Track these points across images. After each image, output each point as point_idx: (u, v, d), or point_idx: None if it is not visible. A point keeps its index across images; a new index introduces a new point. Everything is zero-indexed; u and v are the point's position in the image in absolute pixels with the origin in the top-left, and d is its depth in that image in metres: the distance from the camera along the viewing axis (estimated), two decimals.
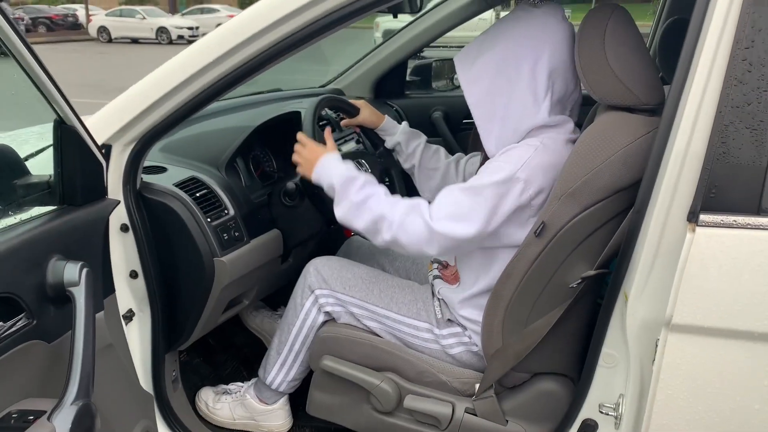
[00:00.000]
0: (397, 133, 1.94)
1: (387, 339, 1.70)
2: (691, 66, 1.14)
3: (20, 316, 1.07)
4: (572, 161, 1.35)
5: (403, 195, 1.98)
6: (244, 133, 1.82)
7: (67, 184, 1.30)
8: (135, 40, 22.21)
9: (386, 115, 1.97)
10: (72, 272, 1.15)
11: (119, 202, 1.45)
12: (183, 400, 1.86)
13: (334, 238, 2.16)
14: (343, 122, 1.95)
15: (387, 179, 2.00)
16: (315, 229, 1.89)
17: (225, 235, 1.65)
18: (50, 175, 1.33)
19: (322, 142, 1.69)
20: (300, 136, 1.68)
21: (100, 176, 1.40)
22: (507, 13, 1.55)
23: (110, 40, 22.41)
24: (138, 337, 1.66)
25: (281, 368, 1.84)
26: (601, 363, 1.33)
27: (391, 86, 2.99)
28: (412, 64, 3.08)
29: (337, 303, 1.73)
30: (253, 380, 1.96)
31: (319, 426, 1.96)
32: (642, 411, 1.22)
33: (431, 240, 1.44)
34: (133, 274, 1.61)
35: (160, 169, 1.71)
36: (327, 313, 1.75)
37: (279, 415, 1.92)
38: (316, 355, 1.73)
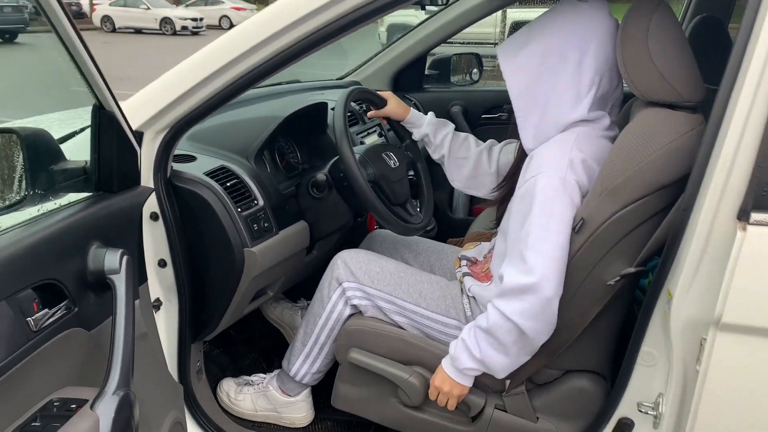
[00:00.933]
0: (424, 125, 1.92)
1: (413, 333, 1.69)
2: (743, 64, 1.12)
3: (63, 303, 1.06)
4: (614, 157, 1.33)
5: (428, 188, 1.97)
6: (272, 124, 1.80)
7: (104, 171, 1.29)
8: (139, 30, 22.12)
9: (412, 107, 1.95)
10: (113, 260, 1.13)
11: (153, 190, 1.44)
12: (207, 391, 1.85)
13: (357, 231, 2.14)
14: (369, 114, 1.94)
15: (413, 172, 1.98)
16: (342, 221, 1.87)
17: (255, 225, 1.64)
18: (86, 161, 1.31)
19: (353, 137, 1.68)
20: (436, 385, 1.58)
21: (135, 164, 1.39)
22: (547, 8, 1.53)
23: (114, 30, 22.34)
24: (165, 327, 1.65)
25: (306, 360, 1.83)
26: (640, 361, 1.32)
27: (409, 80, 2.97)
28: (430, 58, 3.05)
29: (365, 296, 1.72)
30: (276, 372, 1.95)
31: (340, 419, 1.95)
32: (684, 411, 1.21)
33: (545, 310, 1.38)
34: (162, 263, 1.60)
35: (189, 158, 1.70)
36: (354, 306, 1.74)
37: (301, 407, 1.91)
38: (343, 347, 1.72)
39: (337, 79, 3.04)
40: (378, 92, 1.92)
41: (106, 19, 22.73)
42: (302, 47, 1.41)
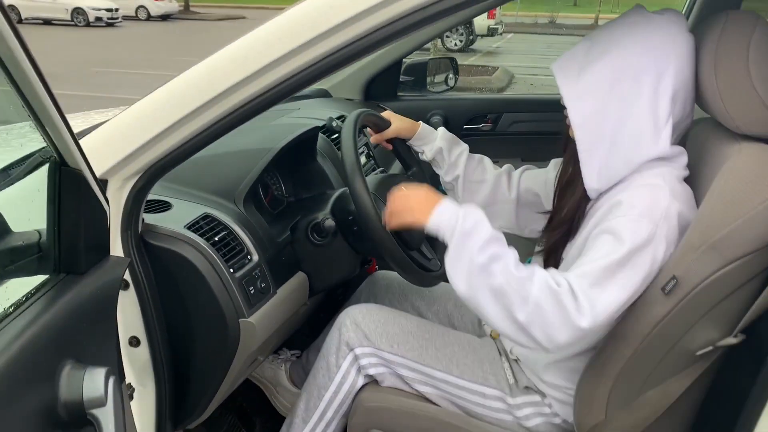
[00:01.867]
0: (437, 139, 1.63)
1: (445, 407, 1.42)
2: None
3: None
4: (715, 205, 1.10)
5: None
6: (263, 157, 1.48)
7: (67, 246, 0.94)
8: (47, 21, 20.68)
9: (420, 121, 1.67)
10: (95, 386, 0.80)
11: (129, 261, 1.10)
12: None
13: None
14: (372, 138, 1.64)
15: None
16: (347, 271, 1.57)
17: (251, 288, 1.32)
18: (39, 233, 0.96)
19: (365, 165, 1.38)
20: (403, 187, 1.31)
21: (105, 229, 1.05)
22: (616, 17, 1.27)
23: (20, 21, 20.77)
24: (138, 419, 1.31)
25: None
26: None
27: (382, 88, 2.68)
28: (404, 63, 2.77)
29: (382, 363, 1.44)
30: None
31: None
32: None
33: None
34: (134, 342, 1.26)
35: (163, 205, 1.35)
36: (369, 375, 1.45)
37: None
38: (360, 427, 1.43)
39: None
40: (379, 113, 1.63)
41: (11, 8, 21.15)
42: (315, 72, 1.11)
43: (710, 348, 1.14)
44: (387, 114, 1.62)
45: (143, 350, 1.27)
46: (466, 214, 1.18)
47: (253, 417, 1.95)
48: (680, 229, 1.15)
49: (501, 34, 17.58)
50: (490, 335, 1.50)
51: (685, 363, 1.18)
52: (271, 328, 1.40)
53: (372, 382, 1.47)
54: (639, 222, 1.12)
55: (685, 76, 1.18)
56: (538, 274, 1.13)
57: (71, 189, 0.92)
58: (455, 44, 15.52)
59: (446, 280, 1.52)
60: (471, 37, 15.81)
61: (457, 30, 15.20)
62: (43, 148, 0.91)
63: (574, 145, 1.25)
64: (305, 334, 1.94)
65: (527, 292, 1.10)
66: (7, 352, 0.75)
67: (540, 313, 1.09)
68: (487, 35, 16.63)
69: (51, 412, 0.78)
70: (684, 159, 1.23)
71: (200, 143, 1.17)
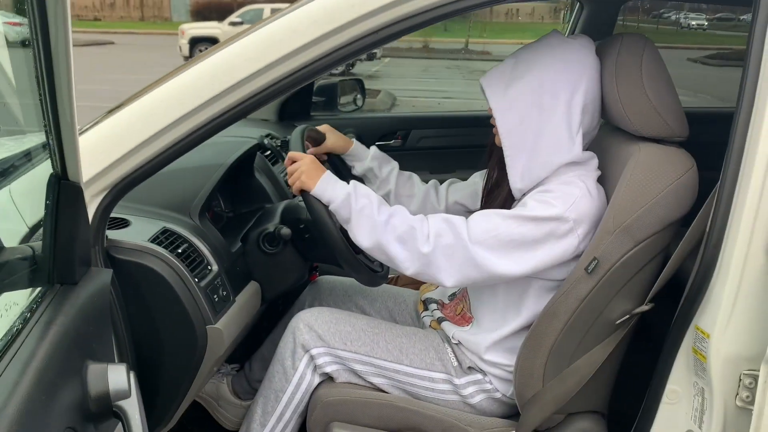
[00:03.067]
0: (368, 158, 1.77)
1: (398, 395, 1.54)
2: (757, 97, 1.14)
3: None
4: (624, 195, 1.31)
5: None
6: (215, 173, 1.55)
7: (62, 258, 0.99)
8: None
9: (354, 139, 1.80)
10: (119, 379, 0.86)
11: (111, 271, 1.14)
12: None
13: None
14: (309, 151, 1.75)
15: None
16: (296, 277, 1.66)
17: (215, 296, 1.39)
18: (32, 247, 1.00)
19: None
20: (292, 153, 1.49)
21: (90, 241, 1.09)
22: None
23: None
24: None
25: None
26: (664, 399, 1.30)
27: (296, 108, 2.79)
28: (315, 84, 2.90)
29: (337, 361, 1.54)
30: None
31: None
32: None
33: (470, 266, 1.35)
34: None
35: (122, 222, 1.39)
36: (324, 373, 1.55)
37: None
38: (320, 422, 1.52)
39: None
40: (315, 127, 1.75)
41: None
42: (286, 84, 1.22)
43: (627, 317, 1.35)
44: (324, 127, 1.74)
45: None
46: (357, 195, 1.42)
47: (194, 431, 1.97)
48: (591, 219, 1.35)
49: (379, 58, 18.07)
50: (430, 326, 1.64)
51: (606, 332, 1.38)
52: (234, 334, 1.46)
53: (327, 379, 1.57)
54: (548, 201, 1.34)
55: (595, 93, 1.40)
56: (430, 216, 1.41)
57: (70, 204, 0.97)
58: (336, 68, 15.77)
59: (386, 279, 1.66)
60: (351, 61, 16.14)
61: (341, 70, 15.50)
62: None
63: (500, 151, 1.44)
64: (244, 347, 1.99)
65: (428, 229, 1.37)
66: (36, 357, 0.79)
67: (440, 242, 1.35)
68: (365, 59, 17.03)
69: (82, 407, 0.82)
70: (595, 162, 1.44)
71: (166, 159, 1.24)
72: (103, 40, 25.03)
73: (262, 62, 1.21)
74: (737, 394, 1.19)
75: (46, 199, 0.96)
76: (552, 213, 1.32)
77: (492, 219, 1.37)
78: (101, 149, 1.19)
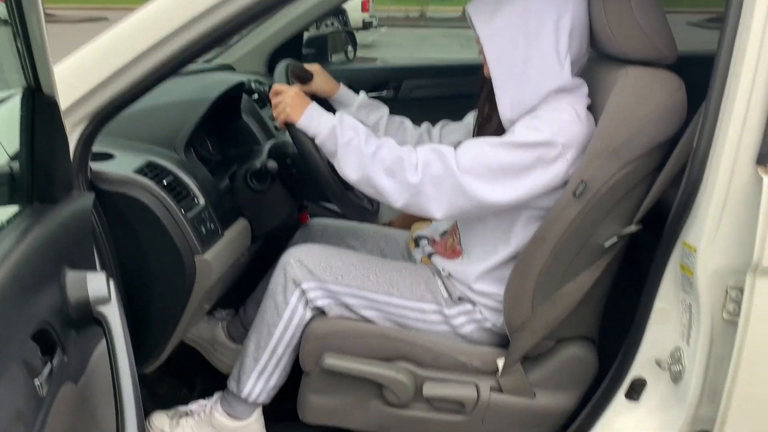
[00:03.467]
0: (355, 105, 1.75)
1: (389, 327, 1.55)
2: (744, 8, 1.13)
3: (56, 354, 0.77)
4: (612, 117, 1.30)
5: None
6: (199, 107, 1.53)
7: (41, 175, 0.98)
8: None
9: (341, 83, 1.78)
10: (98, 286, 0.86)
11: (94, 195, 1.14)
12: None
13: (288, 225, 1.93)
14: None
15: None
16: (285, 214, 1.66)
17: (202, 228, 1.38)
18: (9, 165, 0.99)
19: None
20: (277, 85, 1.48)
21: (70, 162, 1.08)
22: None
23: None
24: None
25: (260, 377, 1.60)
26: (653, 318, 1.31)
27: (286, 59, 2.76)
28: (305, 36, 2.87)
29: (328, 295, 1.54)
30: (218, 395, 1.69)
31: None
32: (713, 359, 1.22)
33: (459, 195, 1.35)
34: None
35: (105, 156, 1.38)
36: (316, 307, 1.55)
37: (255, 429, 1.67)
38: (312, 354, 1.52)
39: (203, 63, 2.74)
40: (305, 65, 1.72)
41: None
42: (265, 7, 1.20)
43: (615, 239, 1.35)
44: (313, 66, 1.72)
45: None
46: (343, 127, 1.41)
47: (192, 378, 1.99)
48: (580, 145, 1.35)
49: (375, 27, 17.90)
50: (421, 261, 1.64)
51: (595, 256, 1.38)
52: (222, 267, 1.46)
53: (319, 313, 1.57)
54: (536, 126, 1.33)
55: (582, 18, 1.38)
56: (419, 146, 1.41)
57: (46, 118, 0.96)
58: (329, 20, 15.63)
59: (377, 217, 1.66)
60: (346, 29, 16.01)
61: (332, 24, 15.37)
62: None
63: (490, 84, 1.42)
64: (238, 291, 2.00)
65: (416, 159, 1.36)
66: (12, 257, 0.79)
67: (428, 171, 1.35)
68: (362, 29, 16.87)
69: (62, 312, 0.83)
70: (585, 89, 1.43)
71: (147, 86, 1.23)
72: (97, 16, 24.78)
73: None
74: (724, 307, 1.20)
75: (21, 113, 0.95)
76: (541, 138, 1.31)
77: (480, 147, 1.36)
78: (78, 77, 1.18)
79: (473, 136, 1.60)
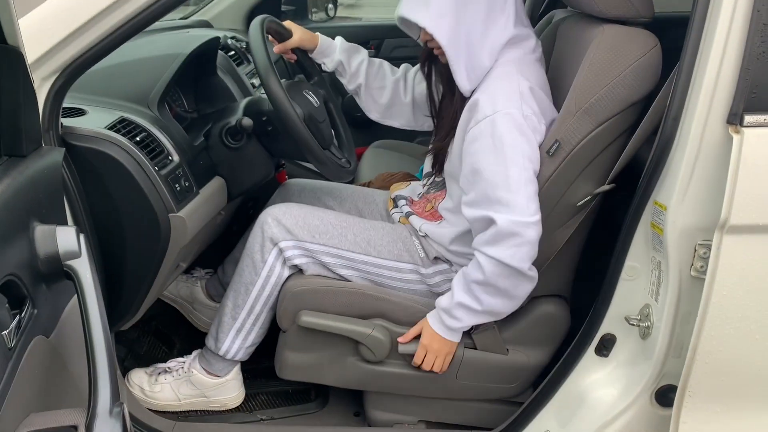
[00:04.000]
0: (336, 51, 1.73)
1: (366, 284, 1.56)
2: None
3: (26, 306, 0.77)
4: (587, 75, 1.30)
5: (346, 128, 1.81)
6: (173, 63, 1.51)
7: (9, 128, 0.97)
8: None
9: (318, 33, 1.76)
10: (68, 240, 0.86)
11: (64, 150, 1.12)
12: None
13: (266, 184, 1.92)
14: (276, 48, 1.70)
15: (326, 114, 1.80)
16: (262, 173, 1.64)
17: (176, 185, 1.37)
18: None
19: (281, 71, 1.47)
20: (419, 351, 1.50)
21: (38, 118, 1.07)
22: None
23: None
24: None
25: (238, 334, 1.61)
26: (623, 276, 1.33)
27: None
28: None
29: (305, 254, 1.55)
30: (196, 352, 1.71)
31: (275, 390, 1.78)
32: (680, 316, 1.24)
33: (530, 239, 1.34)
34: None
35: (77, 112, 1.36)
36: (294, 266, 1.56)
37: (232, 386, 1.70)
38: (289, 312, 1.54)
39: (180, 19, 2.69)
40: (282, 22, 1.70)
41: None
42: None
43: (588, 198, 1.36)
44: (289, 23, 1.69)
45: None
46: (450, 332, 1.45)
47: (171, 336, 2.00)
48: (539, 102, 1.36)
49: None
50: (399, 221, 1.65)
51: (568, 215, 1.39)
52: (198, 226, 1.46)
53: (297, 272, 1.58)
54: (505, 114, 1.32)
55: None
56: (471, 264, 1.40)
57: (11, 70, 0.94)
58: None
59: (355, 176, 1.65)
60: None
61: None
62: None
63: (439, 63, 1.45)
64: (217, 251, 2.00)
65: (480, 276, 1.37)
66: None
67: (521, 262, 1.34)
68: None
69: (31, 267, 0.82)
70: (532, 41, 1.44)
71: (118, 39, 1.21)
72: None
73: None
74: (692, 264, 1.22)
75: None
76: (517, 123, 1.33)
77: (526, 179, 1.34)
78: (48, 28, 1.15)
79: (433, 119, 1.63)
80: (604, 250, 1.39)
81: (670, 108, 1.20)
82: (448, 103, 1.52)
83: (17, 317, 0.73)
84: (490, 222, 1.34)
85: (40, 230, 0.84)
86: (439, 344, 1.47)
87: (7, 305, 0.72)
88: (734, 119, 1.13)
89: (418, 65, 1.77)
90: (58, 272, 0.85)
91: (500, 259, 1.33)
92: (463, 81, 1.41)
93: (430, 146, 1.65)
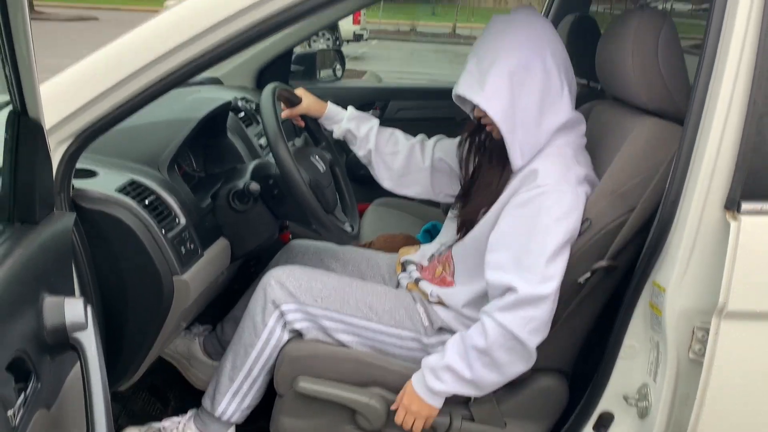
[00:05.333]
0: (345, 119, 1.77)
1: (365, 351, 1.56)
2: (716, 62, 1.17)
3: (30, 382, 0.78)
4: (625, 161, 1.35)
5: (351, 194, 1.83)
6: (185, 127, 1.55)
7: (23, 196, 0.99)
8: None
9: (328, 101, 1.80)
10: (75, 312, 0.87)
11: (74, 215, 1.15)
12: None
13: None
14: (284, 113, 1.75)
15: (332, 179, 1.84)
16: (266, 235, 1.67)
17: (182, 248, 1.39)
18: None
19: (288, 131, 1.50)
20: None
21: (52, 184, 1.09)
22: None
23: None
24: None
25: (235, 396, 1.61)
26: (622, 354, 1.34)
27: (274, 76, 2.77)
28: (295, 53, 2.89)
29: (306, 318, 1.55)
30: (192, 412, 1.69)
31: None
32: (678, 397, 1.24)
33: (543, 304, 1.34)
34: None
35: (88, 173, 1.39)
36: (294, 330, 1.56)
37: None
38: (287, 377, 1.53)
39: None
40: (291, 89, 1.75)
41: None
42: (251, 36, 1.22)
43: (588, 274, 1.38)
44: (299, 91, 1.74)
45: None
46: (431, 395, 1.43)
47: (167, 393, 1.98)
48: (589, 191, 1.39)
49: (366, 39, 17.97)
50: (407, 287, 1.66)
51: (574, 290, 1.40)
52: (201, 287, 1.47)
53: (296, 336, 1.58)
54: (561, 189, 1.35)
55: (561, 50, 1.42)
56: (474, 329, 1.40)
57: (30, 141, 0.97)
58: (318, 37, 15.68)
59: (357, 240, 1.67)
60: (337, 43, 16.07)
61: (323, 35, 15.43)
62: None
63: (489, 137, 1.49)
64: (216, 308, 2.01)
65: (482, 342, 1.36)
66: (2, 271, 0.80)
67: (531, 335, 1.34)
68: (353, 41, 16.93)
69: (38, 337, 0.83)
70: (583, 127, 1.47)
71: (132, 108, 1.25)
72: (87, 15, 24.65)
73: (227, 11, 1.20)
74: (690, 347, 1.23)
75: (5, 135, 0.96)
76: (569, 202, 1.35)
77: (562, 252, 1.35)
78: (66, 95, 1.19)
79: (464, 171, 1.64)
80: (604, 326, 1.40)
81: (669, 190, 1.23)
82: (494, 174, 1.52)
83: (22, 393, 0.74)
84: (509, 289, 1.34)
85: (49, 302, 0.86)
86: (418, 407, 1.44)
87: (13, 383, 0.73)
88: (732, 205, 1.16)
89: (436, 136, 1.80)
90: (63, 344, 0.86)
91: (509, 327, 1.32)
92: (516, 158, 1.42)
93: (456, 212, 1.66)
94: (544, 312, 1.32)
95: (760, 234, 1.13)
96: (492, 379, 1.40)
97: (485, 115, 1.41)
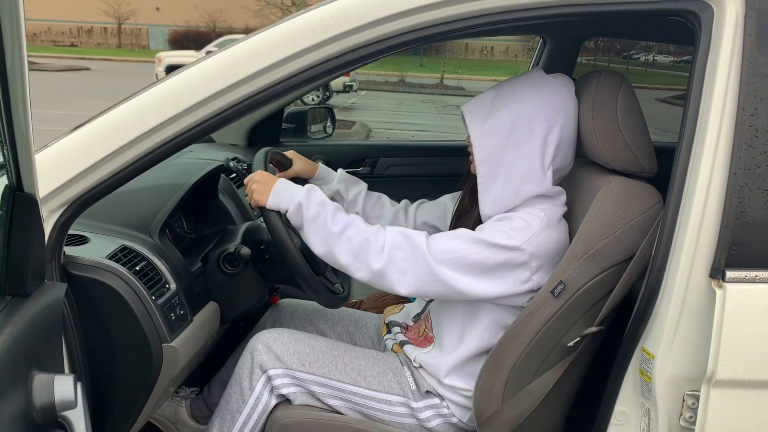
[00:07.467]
0: (334, 181, 1.80)
1: (354, 417, 1.55)
2: (696, 132, 1.21)
3: None
4: (593, 223, 1.36)
5: None
6: (176, 192, 1.56)
7: (15, 270, 0.99)
8: None
9: (320, 163, 1.83)
10: (65, 390, 0.86)
11: (65, 286, 1.15)
12: None
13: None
14: (277, 176, 1.77)
15: None
16: (256, 298, 1.67)
17: (172, 314, 1.39)
18: None
19: None
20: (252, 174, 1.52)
21: (44, 255, 1.09)
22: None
23: None
24: None
25: None
26: (613, 421, 1.33)
27: (266, 134, 2.82)
28: (285, 111, 2.94)
29: (294, 382, 1.54)
30: None
31: None
32: None
33: (428, 280, 1.38)
34: None
35: (80, 239, 1.39)
36: (281, 395, 1.55)
37: None
38: None
39: None
40: (282, 152, 1.77)
41: None
42: (252, 103, 1.25)
43: (577, 339, 1.38)
44: (291, 153, 1.77)
45: None
46: (309, 203, 1.43)
47: None
48: (549, 253, 1.41)
49: (356, 90, 18.25)
50: (392, 349, 1.66)
51: (560, 356, 1.41)
52: (190, 353, 1.46)
53: (284, 401, 1.57)
54: (507, 233, 1.38)
55: (570, 131, 1.45)
56: (388, 228, 1.43)
57: (24, 217, 0.97)
58: (312, 99, 15.91)
59: (348, 299, 1.67)
60: (327, 93, 16.31)
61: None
62: None
63: (474, 178, 1.49)
64: (204, 369, 1.99)
65: (382, 241, 1.40)
66: None
67: (395, 255, 1.38)
68: (342, 92, 17.20)
69: (26, 417, 0.82)
70: (563, 198, 1.49)
71: (125, 177, 1.26)
72: (79, 65, 24.96)
73: (224, 83, 1.23)
74: (681, 414, 1.23)
75: (0, 210, 0.97)
76: (510, 243, 1.36)
77: (455, 240, 1.40)
78: (61, 164, 1.20)
79: (450, 223, 1.65)
80: (597, 393, 1.40)
81: (655, 259, 1.25)
82: (468, 218, 1.56)
83: None
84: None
85: (39, 380, 0.85)
86: (264, 184, 1.48)
87: None
88: (716, 274, 1.17)
89: (418, 201, 1.83)
90: (51, 423, 0.85)
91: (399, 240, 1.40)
92: (486, 206, 1.46)
93: None
94: (420, 262, 1.37)
95: (746, 302, 1.15)
96: (315, 239, 1.43)
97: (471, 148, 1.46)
